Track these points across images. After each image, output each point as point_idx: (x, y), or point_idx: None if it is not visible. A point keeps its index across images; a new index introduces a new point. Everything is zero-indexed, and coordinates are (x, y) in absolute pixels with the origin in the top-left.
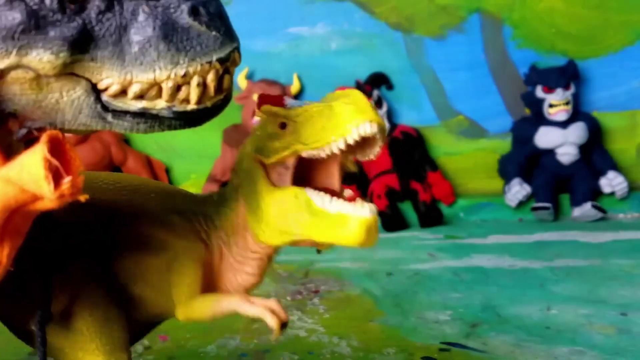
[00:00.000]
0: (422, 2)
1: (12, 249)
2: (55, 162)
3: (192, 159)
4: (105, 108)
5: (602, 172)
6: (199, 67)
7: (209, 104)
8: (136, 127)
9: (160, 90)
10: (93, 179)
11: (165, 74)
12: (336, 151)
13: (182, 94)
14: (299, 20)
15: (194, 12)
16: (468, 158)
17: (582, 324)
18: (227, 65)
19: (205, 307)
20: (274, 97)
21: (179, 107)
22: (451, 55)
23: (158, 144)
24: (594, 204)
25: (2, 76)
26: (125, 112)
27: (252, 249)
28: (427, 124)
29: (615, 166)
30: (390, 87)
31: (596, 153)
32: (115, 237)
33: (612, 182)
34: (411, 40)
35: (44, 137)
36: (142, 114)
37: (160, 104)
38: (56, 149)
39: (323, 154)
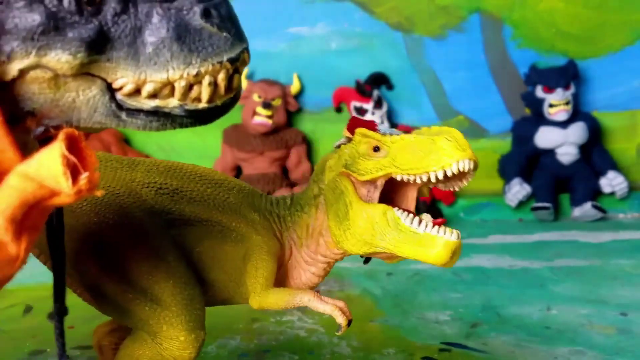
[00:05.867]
0: (422, 2)
1: (29, 244)
2: (72, 158)
3: (192, 159)
4: (120, 107)
5: (602, 172)
6: (210, 67)
7: (219, 102)
8: (149, 125)
9: (172, 89)
10: (180, 168)
11: (178, 73)
12: (433, 180)
13: (193, 93)
14: (299, 20)
15: (205, 14)
16: None
17: (582, 324)
18: (237, 65)
19: (280, 299)
20: (366, 122)
21: (191, 106)
22: (451, 55)
23: (158, 144)
24: (594, 203)
25: (21, 76)
26: (139, 111)
27: (322, 253)
28: (427, 124)
29: (615, 166)
30: (390, 87)
31: (596, 153)
32: (199, 225)
33: (612, 182)
34: (411, 40)
35: (61, 135)
36: (155, 113)
37: (172, 103)
38: (73, 146)
39: (419, 180)
